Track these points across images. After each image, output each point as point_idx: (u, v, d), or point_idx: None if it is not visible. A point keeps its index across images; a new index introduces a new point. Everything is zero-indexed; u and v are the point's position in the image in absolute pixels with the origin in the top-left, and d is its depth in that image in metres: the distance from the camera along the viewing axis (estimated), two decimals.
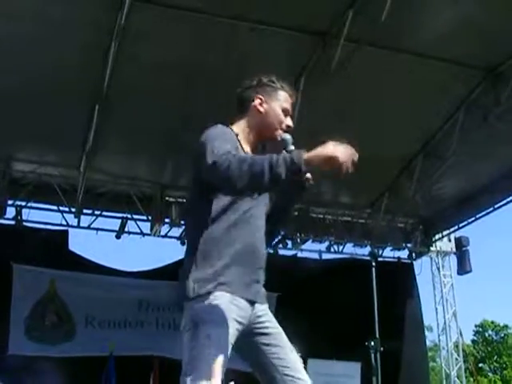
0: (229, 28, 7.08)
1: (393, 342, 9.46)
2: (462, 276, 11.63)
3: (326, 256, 11.20)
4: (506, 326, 40.09)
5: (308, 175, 2.64)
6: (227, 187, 2.65)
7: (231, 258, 2.75)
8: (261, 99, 3.03)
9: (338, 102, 8.20)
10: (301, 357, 2.72)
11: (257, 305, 2.83)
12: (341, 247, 11.22)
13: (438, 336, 12.16)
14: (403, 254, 11.71)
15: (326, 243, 11.06)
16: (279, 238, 10.47)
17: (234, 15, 6.95)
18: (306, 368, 2.70)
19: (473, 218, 10.88)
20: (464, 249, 11.59)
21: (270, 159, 2.50)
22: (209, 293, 2.66)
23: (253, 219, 2.87)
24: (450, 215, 11.15)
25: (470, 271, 11.48)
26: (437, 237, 11.72)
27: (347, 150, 2.52)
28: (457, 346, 11.96)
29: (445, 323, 11.85)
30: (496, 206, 10.30)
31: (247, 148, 2.98)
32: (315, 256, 11.09)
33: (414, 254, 11.68)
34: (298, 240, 10.83)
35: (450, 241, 11.86)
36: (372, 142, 9.16)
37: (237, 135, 2.95)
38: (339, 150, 2.50)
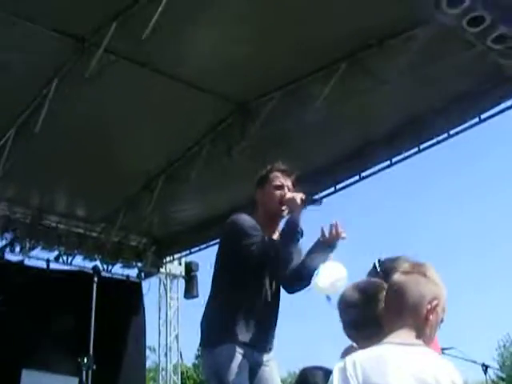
0: None
1: (109, 360, 9.38)
2: (188, 300, 11.85)
3: (54, 266, 10.76)
4: None
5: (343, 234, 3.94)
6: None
7: None
8: (259, 194, 4.09)
9: (93, 109, 8.04)
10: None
11: None
12: (70, 258, 10.93)
13: (159, 357, 12.22)
14: (133, 273, 11.65)
15: (56, 253, 10.70)
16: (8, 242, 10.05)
17: None
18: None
19: (204, 245, 11.16)
20: (193, 274, 11.85)
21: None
22: None
23: None
24: (183, 239, 11.39)
25: (197, 296, 11.69)
26: (168, 259, 11.82)
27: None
28: (176, 368, 12.12)
29: (166, 345, 11.93)
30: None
31: (267, 232, 3.96)
32: (43, 265, 10.62)
33: (143, 274, 11.67)
34: (27, 246, 10.35)
35: (180, 264, 12.05)
36: (116, 156, 9.17)
37: (260, 224, 3.93)
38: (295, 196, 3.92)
